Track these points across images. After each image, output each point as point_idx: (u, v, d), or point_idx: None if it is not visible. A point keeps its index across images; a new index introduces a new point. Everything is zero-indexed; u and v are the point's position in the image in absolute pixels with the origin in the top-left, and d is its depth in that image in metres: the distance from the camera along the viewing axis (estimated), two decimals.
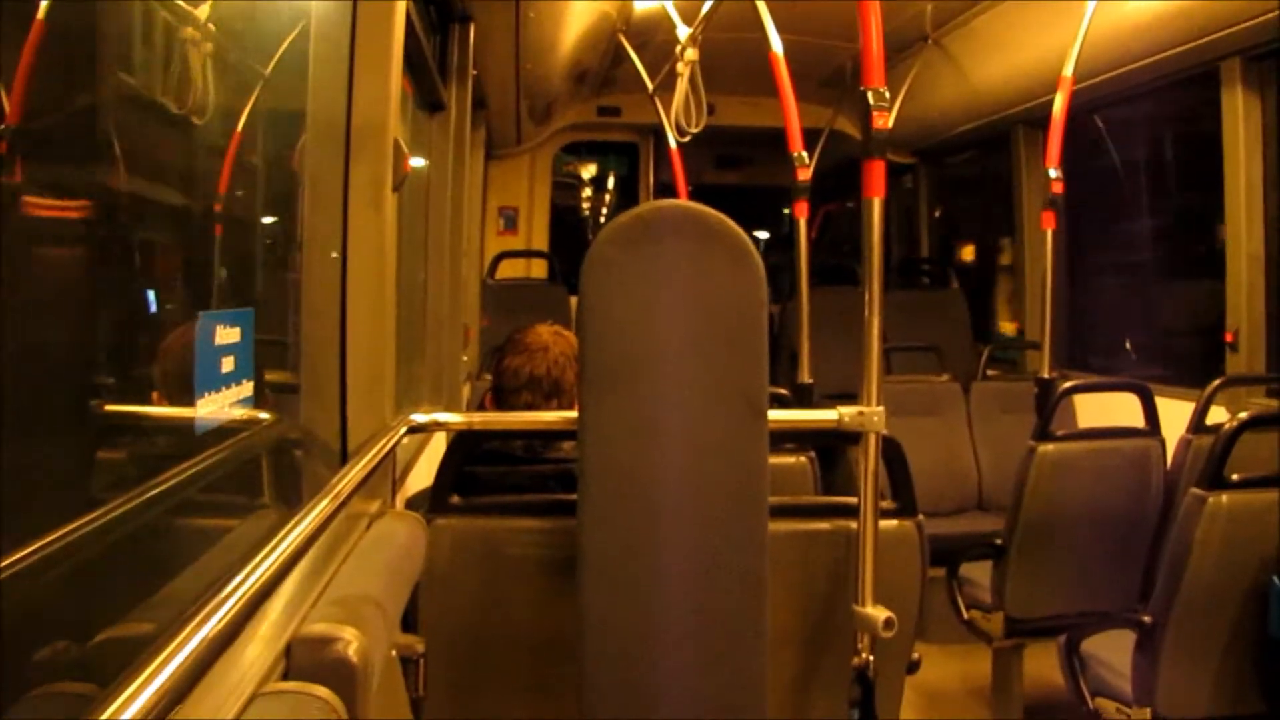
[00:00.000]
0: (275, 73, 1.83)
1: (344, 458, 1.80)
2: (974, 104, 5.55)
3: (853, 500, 1.96)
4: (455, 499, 1.99)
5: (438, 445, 2.63)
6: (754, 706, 1.79)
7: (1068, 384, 3.68)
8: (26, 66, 1.06)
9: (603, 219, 11.18)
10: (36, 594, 0.98)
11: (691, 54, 4.19)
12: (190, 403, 1.28)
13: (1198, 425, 3.35)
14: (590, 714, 1.75)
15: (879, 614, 1.86)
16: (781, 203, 9.33)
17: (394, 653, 1.69)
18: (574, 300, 2.56)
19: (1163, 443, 3.44)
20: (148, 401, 1.36)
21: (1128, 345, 5.31)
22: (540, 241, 7.24)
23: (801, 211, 3.77)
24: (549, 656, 1.97)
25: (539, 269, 7.11)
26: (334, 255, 1.81)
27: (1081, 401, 4.53)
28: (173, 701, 0.81)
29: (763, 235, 10.54)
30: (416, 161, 3.66)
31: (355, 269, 1.83)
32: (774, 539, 1.80)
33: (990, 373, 5.27)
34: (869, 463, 1.92)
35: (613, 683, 1.76)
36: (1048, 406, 3.52)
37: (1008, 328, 6.22)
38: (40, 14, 1.10)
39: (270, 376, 1.76)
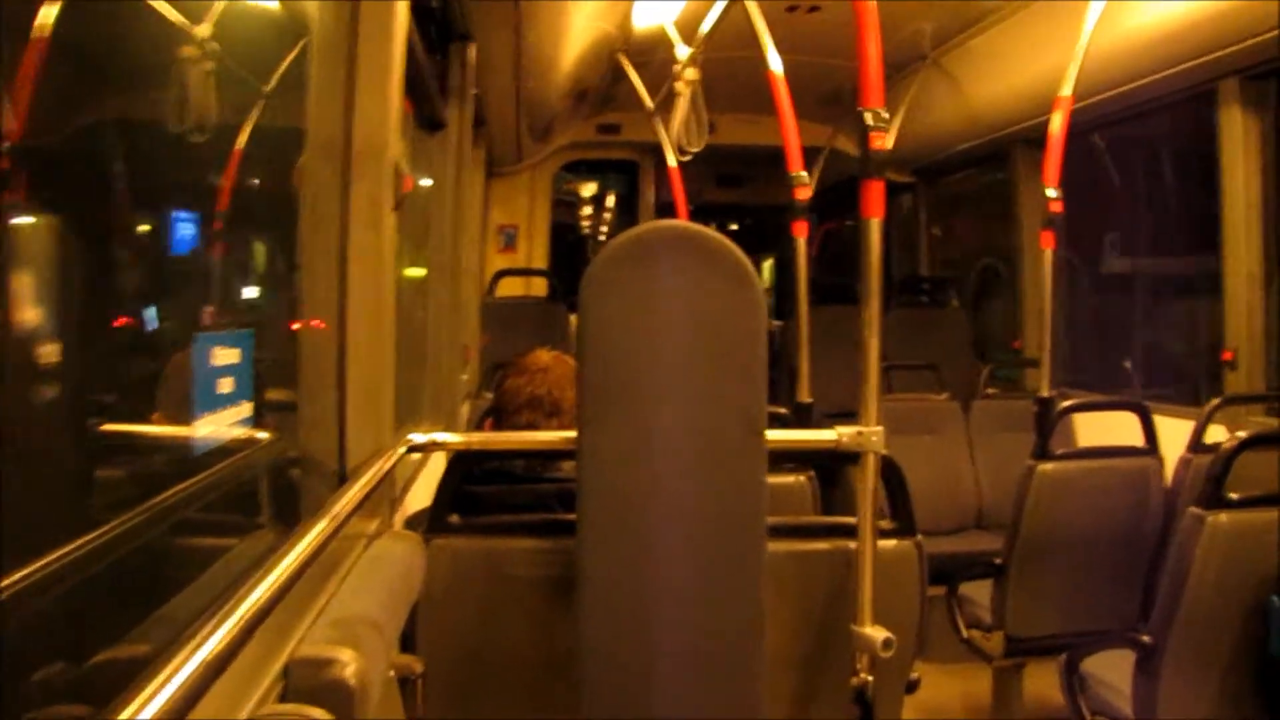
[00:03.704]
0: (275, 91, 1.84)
1: (342, 477, 1.80)
2: (973, 123, 5.56)
3: (852, 520, 1.96)
4: (454, 519, 1.98)
5: (437, 464, 2.63)
6: None
7: (1067, 403, 3.67)
8: (29, 83, 1.07)
9: (602, 237, 11.20)
10: (32, 615, 0.98)
11: (691, 73, 4.20)
12: (190, 422, 1.29)
13: (1197, 444, 3.35)
14: None
15: (878, 634, 1.86)
16: (784, 221, 9.34)
17: (392, 673, 1.68)
18: (574, 319, 2.57)
19: (1162, 462, 3.44)
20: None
21: (1126, 365, 5.31)
22: (540, 260, 7.24)
23: (800, 230, 3.78)
24: (548, 676, 1.96)
25: (539, 287, 7.11)
26: (332, 275, 1.81)
27: (1081, 420, 4.52)
28: None
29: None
30: (425, 182, 3.68)
31: (354, 287, 1.83)
32: (773, 559, 1.80)
33: (990, 391, 5.27)
34: (868, 482, 1.92)
35: (612, 703, 1.76)
36: (1047, 425, 3.52)
37: None
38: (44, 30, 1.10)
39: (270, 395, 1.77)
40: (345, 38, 1.82)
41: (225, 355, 1.35)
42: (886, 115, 2.01)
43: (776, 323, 7.18)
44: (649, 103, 5.28)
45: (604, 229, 11.58)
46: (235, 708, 1.03)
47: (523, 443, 2.13)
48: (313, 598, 1.36)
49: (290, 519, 1.73)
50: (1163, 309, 5.33)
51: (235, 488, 1.64)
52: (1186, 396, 4.58)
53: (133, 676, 0.84)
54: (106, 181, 1.32)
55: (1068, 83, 3.88)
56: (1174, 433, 3.50)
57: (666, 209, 6.55)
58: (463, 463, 2.04)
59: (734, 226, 10.77)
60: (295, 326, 1.91)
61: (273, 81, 1.86)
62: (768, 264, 11.03)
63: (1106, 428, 3.85)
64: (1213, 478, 2.46)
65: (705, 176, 8.43)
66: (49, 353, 1.13)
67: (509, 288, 6.86)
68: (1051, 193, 3.91)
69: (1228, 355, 3.99)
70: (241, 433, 1.46)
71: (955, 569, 3.65)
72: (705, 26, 3.89)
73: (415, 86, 3.09)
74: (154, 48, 1.45)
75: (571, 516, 1.80)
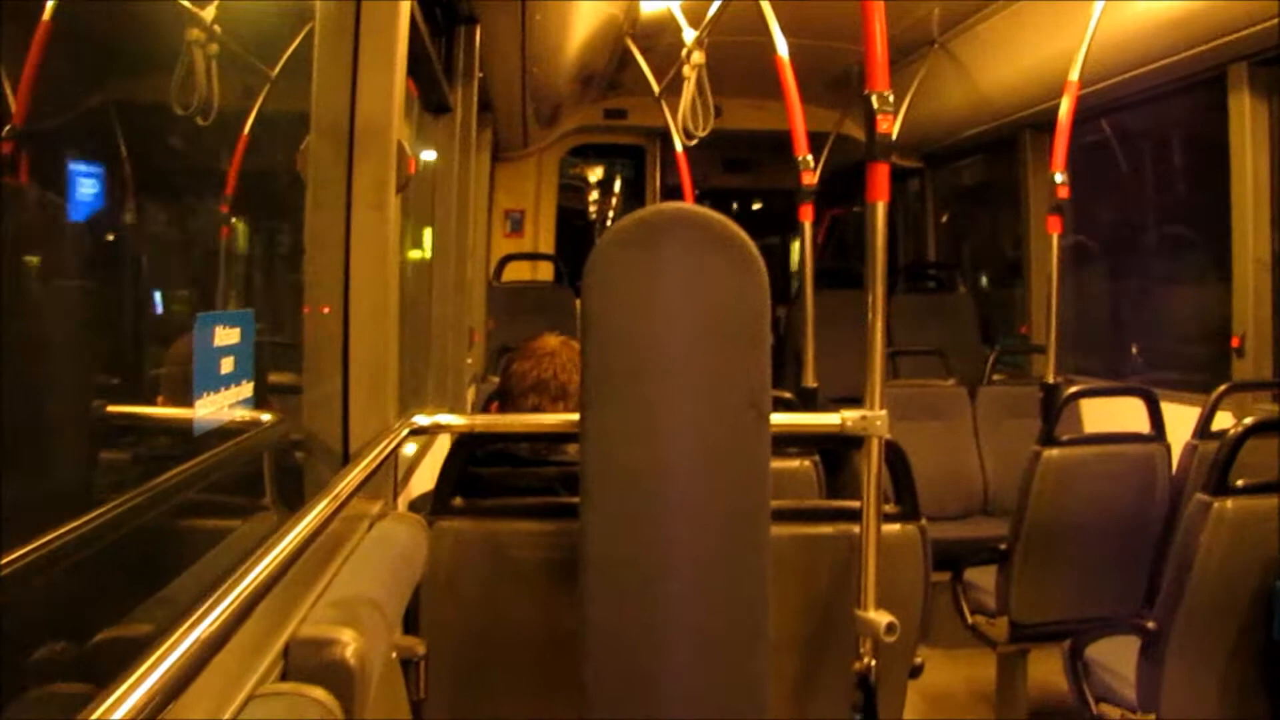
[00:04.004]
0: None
1: (345, 459, 1.80)
2: (980, 108, 5.54)
3: (855, 504, 1.95)
4: (458, 501, 1.98)
5: (442, 449, 2.63)
6: (756, 710, 1.78)
7: (1073, 389, 3.67)
8: (32, 68, 1.06)
9: (609, 222, 11.19)
10: (34, 594, 0.98)
11: (698, 57, 4.19)
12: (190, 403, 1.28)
13: (1203, 431, 3.34)
14: (592, 716, 1.74)
15: (881, 618, 1.86)
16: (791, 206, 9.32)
17: (394, 655, 1.69)
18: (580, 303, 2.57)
19: (1168, 448, 3.43)
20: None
21: (1134, 350, 5.29)
22: (546, 244, 7.23)
23: (807, 215, 3.77)
24: (551, 659, 1.96)
25: (545, 271, 7.11)
26: (336, 255, 1.81)
27: (1087, 406, 4.51)
28: (166, 700, 0.80)
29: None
30: (428, 155, 3.67)
31: (358, 270, 1.83)
32: (777, 542, 1.80)
33: (996, 377, 5.26)
34: (872, 467, 1.91)
35: (615, 686, 1.76)
36: (1053, 411, 3.51)
37: None
38: (46, 14, 1.10)
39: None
40: (348, 16, 1.81)
41: (225, 335, 1.35)
42: (892, 99, 2.00)
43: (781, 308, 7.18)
44: (656, 87, 5.27)
45: (611, 213, 11.57)
46: (235, 686, 1.03)
47: (526, 425, 2.13)
48: (314, 578, 1.36)
49: (294, 501, 1.73)
50: None
51: (239, 469, 1.64)
52: None
53: (133, 655, 0.84)
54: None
55: (1075, 68, 3.86)
56: (1180, 419, 3.49)
57: (673, 193, 6.54)
58: (467, 445, 2.04)
59: (756, 206, 10.75)
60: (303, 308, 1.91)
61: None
62: (796, 246, 10.98)
63: (1113, 414, 3.85)
64: (1219, 464, 2.45)
65: (712, 161, 8.41)
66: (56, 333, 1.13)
67: (516, 272, 6.85)
68: (1059, 177, 3.89)
69: (1235, 341, 3.97)
70: (243, 414, 1.45)
71: (960, 554, 3.65)
72: (712, 10, 3.87)
73: (419, 69, 3.08)
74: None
75: (575, 499, 1.79)
